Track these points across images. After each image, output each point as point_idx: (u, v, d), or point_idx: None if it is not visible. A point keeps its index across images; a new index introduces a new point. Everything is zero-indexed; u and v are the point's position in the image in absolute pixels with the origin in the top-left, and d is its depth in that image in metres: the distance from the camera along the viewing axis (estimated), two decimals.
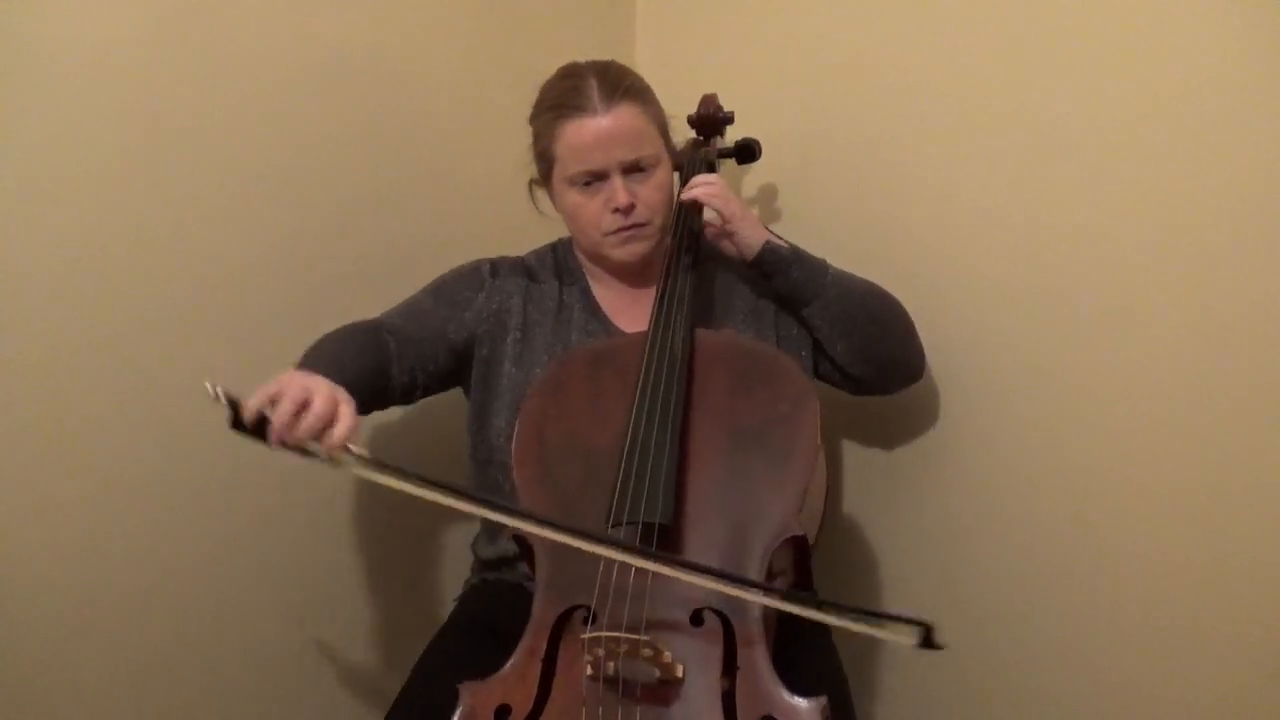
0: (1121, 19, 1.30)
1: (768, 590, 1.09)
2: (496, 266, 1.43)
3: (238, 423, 1.05)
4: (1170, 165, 1.27)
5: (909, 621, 1.01)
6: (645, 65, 1.84)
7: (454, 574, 1.59)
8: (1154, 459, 1.31)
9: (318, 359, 1.22)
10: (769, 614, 1.13)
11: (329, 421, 1.07)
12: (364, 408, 1.23)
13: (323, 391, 1.08)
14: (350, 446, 1.07)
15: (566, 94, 1.33)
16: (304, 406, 1.06)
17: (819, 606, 1.08)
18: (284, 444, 1.06)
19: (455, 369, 1.39)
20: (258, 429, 1.06)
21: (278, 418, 1.05)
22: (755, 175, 1.72)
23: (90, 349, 1.34)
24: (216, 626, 1.45)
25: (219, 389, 1.03)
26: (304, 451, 1.07)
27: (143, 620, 1.39)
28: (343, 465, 1.07)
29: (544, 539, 1.10)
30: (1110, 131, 1.32)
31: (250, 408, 1.05)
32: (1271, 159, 1.20)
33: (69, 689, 1.33)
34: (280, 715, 1.52)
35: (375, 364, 1.30)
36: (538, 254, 1.48)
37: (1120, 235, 1.32)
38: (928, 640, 1.00)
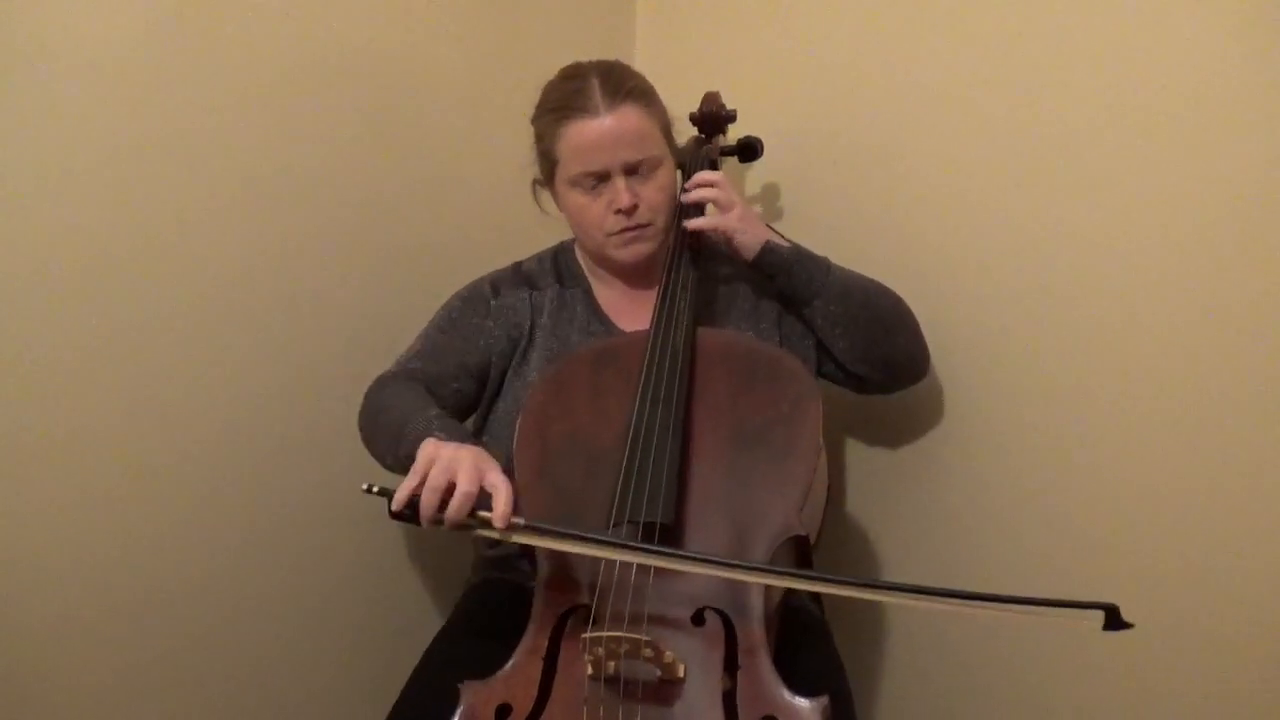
0: (1122, 19, 1.30)
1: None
2: (496, 285, 1.43)
3: (394, 513, 1.08)
4: (1171, 165, 1.27)
5: (1088, 606, 0.97)
6: (645, 64, 1.84)
7: (456, 573, 1.58)
8: (1155, 459, 1.31)
9: (438, 418, 1.21)
10: (771, 613, 1.13)
11: (474, 499, 1.07)
12: None
13: (465, 466, 1.07)
14: (515, 520, 1.06)
15: (569, 95, 1.33)
16: (450, 490, 1.07)
17: (985, 599, 1.01)
18: (437, 525, 1.08)
19: (479, 393, 1.41)
20: (413, 515, 1.07)
21: (424, 509, 1.07)
22: (757, 173, 1.72)
23: (91, 350, 1.33)
24: (216, 627, 1.45)
25: (374, 486, 1.08)
26: (466, 527, 1.08)
27: (143, 621, 1.39)
28: (510, 537, 1.08)
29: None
30: (1111, 131, 1.32)
31: (397, 499, 1.07)
32: (1272, 159, 1.19)
33: (69, 689, 1.33)
34: (281, 715, 1.52)
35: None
36: (538, 259, 1.48)
37: (1122, 234, 1.32)
38: (1114, 621, 0.96)
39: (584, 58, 1.39)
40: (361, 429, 1.34)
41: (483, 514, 1.07)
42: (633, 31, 1.92)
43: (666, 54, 1.86)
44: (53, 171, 1.29)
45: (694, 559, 1.06)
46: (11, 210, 1.27)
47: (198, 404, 1.42)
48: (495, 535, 1.07)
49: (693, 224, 1.36)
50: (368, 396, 1.35)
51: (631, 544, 1.07)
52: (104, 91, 1.32)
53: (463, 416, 1.40)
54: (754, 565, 1.09)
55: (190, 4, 1.38)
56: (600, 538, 1.08)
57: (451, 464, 1.07)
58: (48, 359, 1.30)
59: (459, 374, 1.38)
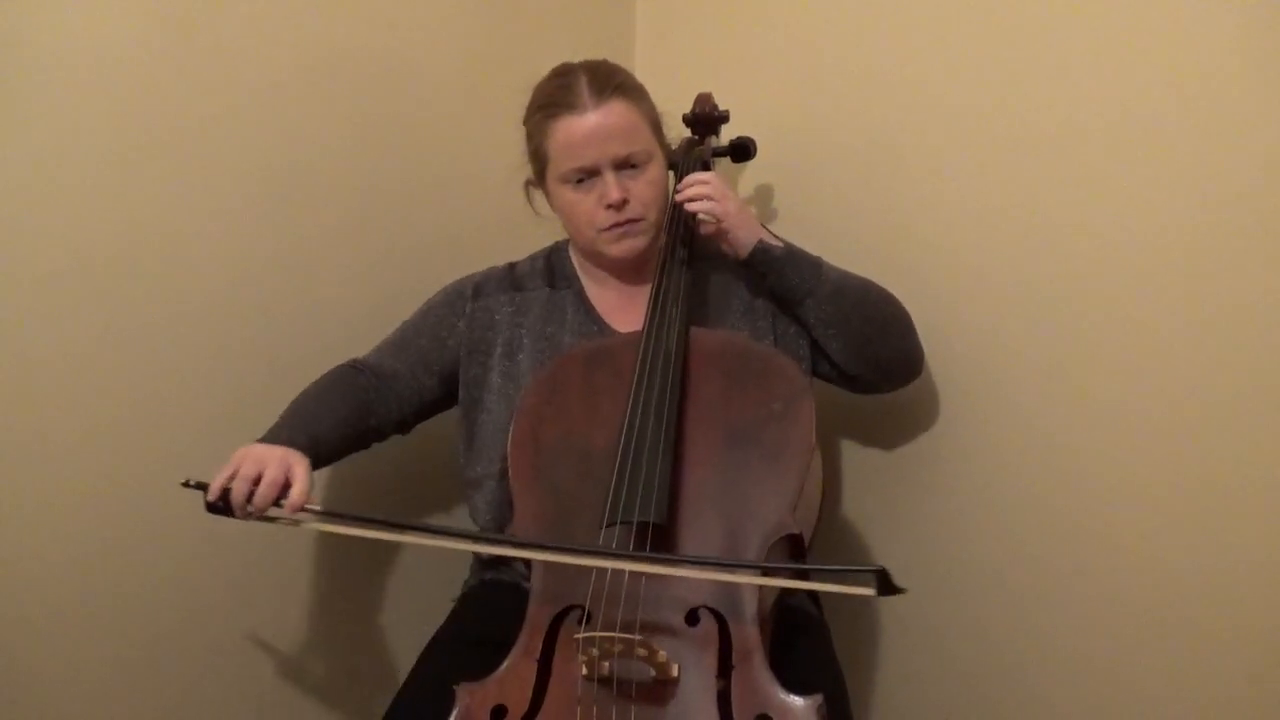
0: (1122, 18, 1.30)
1: (728, 567, 1.11)
2: (480, 287, 1.44)
3: (210, 504, 1.18)
4: (1171, 165, 1.27)
5: (863, 570, 1.01)
6: (645, 64, 1.85)
7: (453, 574, 1.58)
8: (1153, 458, 1.31)
9: (286, 423, 1.30)
10: (765, 612, 1.13)
11: (283, 487, 1.18)
12: (351, 449, 1.37)
13: (273, 460, 1.18)
14: (307, 506, 1.17)
15: (557, 92, 1.33)
16: (257, 480, 1.17)
17: (763, 574, 1.11)
18: (250, 516, 1.18)
19: (443, 394, 1.43)
20: (226, 506, 1.18)
21: (234, 496, 1.17)
22: (750, 174, 1.72)
23: (89, 349, 1.34)
24: (214, 627, 1.46)
25: (191, 480, 1.18)
26: (269, 519, 1.18)
27: (140, 621, 1.39)
28: (304, 524, 1.19)
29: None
30: (1110, 131, 1.31)
31: (212, 490, 1.18)
32: (1272, 159, 1.19)
33: (68, 688, 1.34)
34: (278, 716, 1.52)
35: (356, 407, 1.36)
36: (531, 259, 1.49)
37: (1118, 233, 1.32)
38: (886, 585, 0.99)
39: (583, 58, 1.39)
40: None
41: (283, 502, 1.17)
42: (632, 32, 1.92)
43: (666, 54, 1.86)
44: (51, 171, 1.29)
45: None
46: (11, 210, 1.27)
47: (194, 402, 1.42)
48: (290, 524, 1.18)
49: (692, 205, 1.35)
50: (321, 377, 1.40)
51: (434, 528, 1.22)
52: (103, 92, 1.32)
53: (425, 412, 1.44)
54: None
55: (188, 5, 1.39)
56: (386, 520, 1.18)
57: (261, 458, 1.19)
58: (46, 359, 1.31)
59: (417, 370, 1.41)
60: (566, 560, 1.11)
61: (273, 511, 1.18)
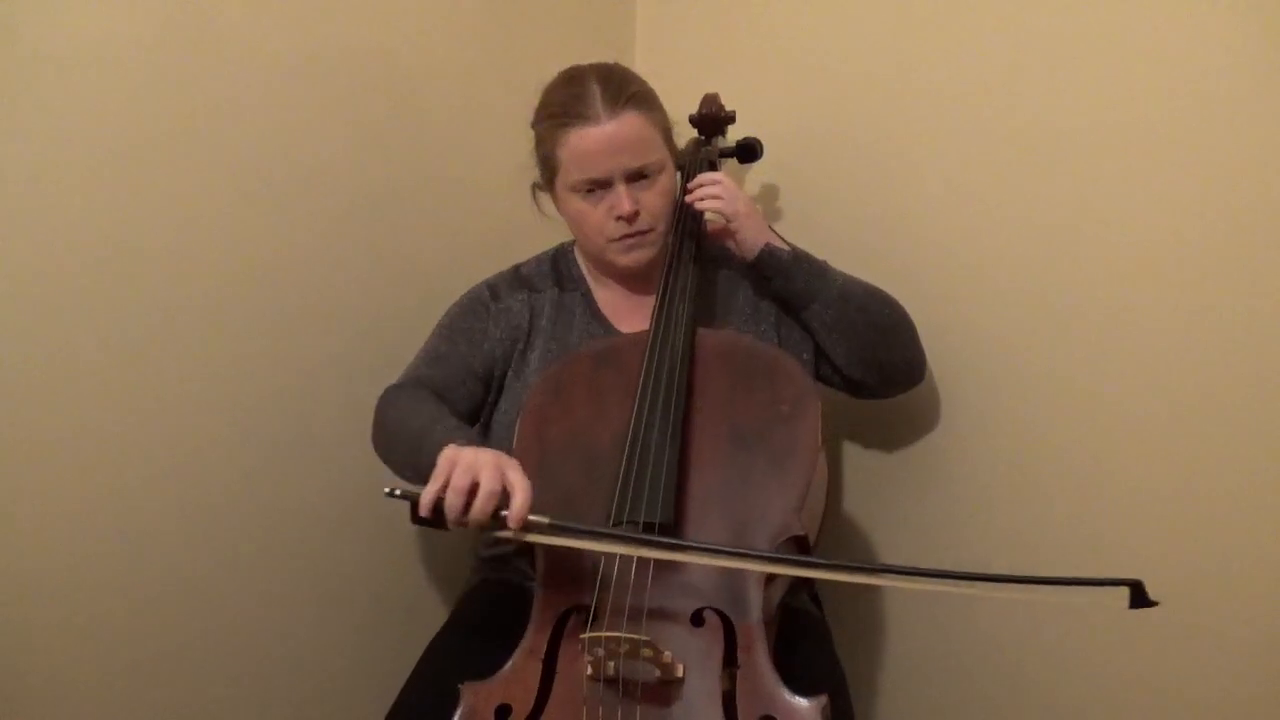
0: (1122, 19, 1.30)
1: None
2: (494, 289, 1.43)
3: (417, 517, 1.08)
4: (1171, 166, 1.27)
5: (1117, 582, 0.96)
6: (645, 65, 1.84)
7: (455, 573, 1.59)
8: (1154, 460, 1.31)
9: (455, 428, 1.22)
10: (770, 613, 1.13)
11: (499, 496, 1.07)
12: None
13: (488, 467, 1.07)
14: (532, 518, 1.06)
15: (569, 101, 1.32)
16: (473, 491, 1.06)
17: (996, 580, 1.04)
18: (464, 526, 1.08)
19: (485, 396, 1.40)
20: (439, 519, 1.08)
21: (449, 510, 1.07)
22: (757, 175, 1.72)
23: (91, 350, 1.33)
24: (216, 627, 1.45)
25: (396, 490, 1.08)
26: (485, 530, 1.08)
27: (143, 620, 1.39)
28: (528, 537, 1.08)
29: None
30: (1111, 132, 1.32)
31: (424, 503, 1.07)
32: (1272, 160, 1.20)
33: (70, 689, 1.33)
34: (281, 715, 1.52)
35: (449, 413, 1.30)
36: (536, 261, 1.48)
37: (1121, 236, 1.32)
38: (1139, 598, 0.94)
39: (584, 59, 1.39)
40: (376, 443, 1.34)
41: (504, 514, 1.07)
42: (632, 32, 1.91)
43: (666, 55, 1.86)
44: (52, 172, 1.29)
45: (704, 549, 1.07)
46: (11, 210, 1.27)
47: (197, 404, 1.42)
48: (512, 535, 1.07)
49: (703, 204, 1.35)
50: (380, 409, 1.34)
51: (643, 537, 1.08)
52: (104, 92, 1.32)
53: (474, 421, 1.40)
54: (764, 554, 1.09)
55: (189, 5, 1.38)
56: (617, 533, 1.09)
57: (474, 465, 1.07)
58: (48, 360, 1.30)
59: (465, 378, 1.38)
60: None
61: (492, 522, 1.07)
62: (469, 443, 1.13)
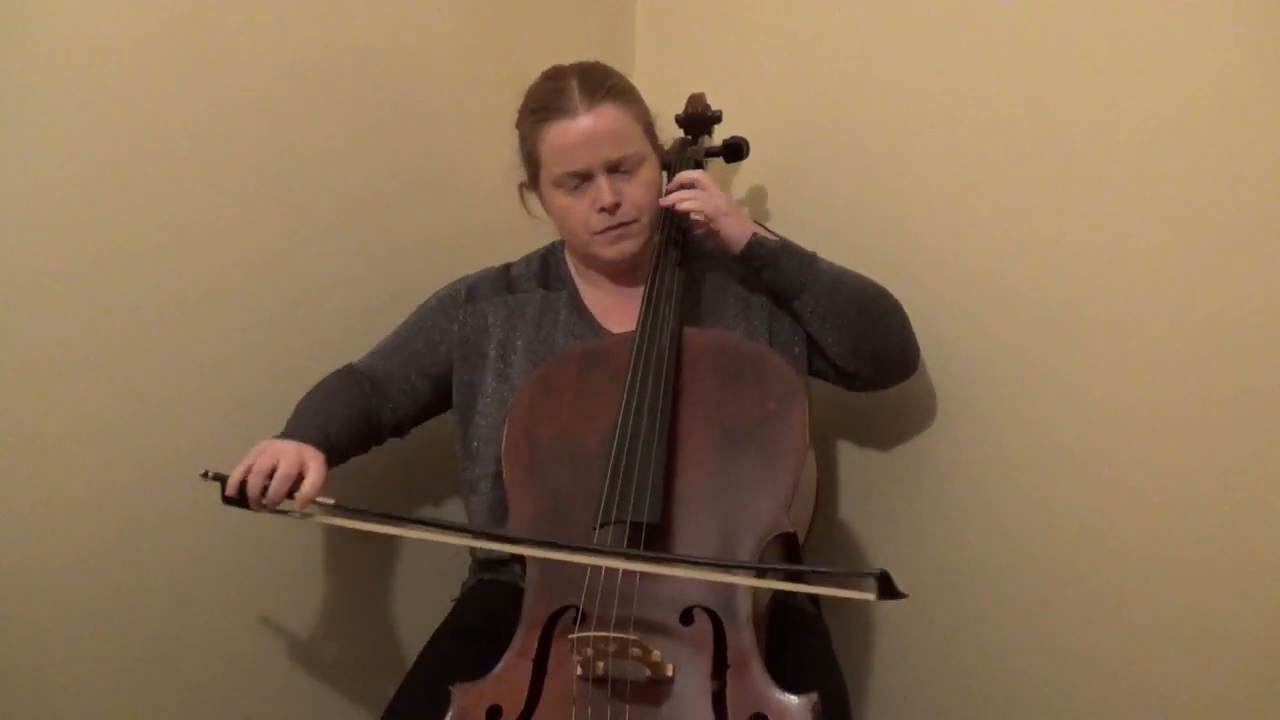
0: (1122, 19, 1.30)
1: (724, 568, 1.11)
2: (473, 289, 1.44)
3: (225, 497, 1.20)
4: (1171, 165, 1.27)
5: (864, 574, 1.01)
6: (645, 65, 1.85)
7: (451, 575, 1.59)
8: (1152, 458, 1.31)
9: (298, 421, 1.32)
10: (760, 612, 1.14)
11: (295, 481, 1.19)
12: (355, 451, 1.39)
13: (288, 455, 1.21)
14: (318, 500, 1.19)
15: (549, 96, 1.33)
16: (272, 474, 1.19)
17: (759, 575, 1.12)
18: (264, 508, 1.20)
19: (437, 397, 1.44)
20: (243, 499, 1.20)
21: (250, 489, 1.19)
22: (743, 174, 1.72)
23: (90, 349, 1.34)
24: (213, 627, 1.46)
25: (210, 471, 1.21)
26: (282, 512, 1.21)
27: (139, 621, 1.40)
28: (314, 518, 1.21)
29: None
30: (1107, 129, 1.31)
31: (230, 483, 1.20)
32: (1273, 161, 1.19)
33: (68, 689, 1.34)
34: (277, 716, 1.52)
35: (359, 410, 1.38)
36: (526, 260, 1.49)
37: (1117, 233, 1.32)
38: (888, 588, 0.98)
39: (584, 59, 1.39)
40: None
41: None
42: (632, 33, 1.92)
43: (666, 55, 1.86)
44: (52, 171, 1.30)
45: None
46: (12, 210, 1.27)
47: (196, 402, 1.43)
48: (301, 518, 1.20)
49: (681, 206, 1.35)
50: (319, 382, 1.42)
51: (438, 522, 1.23)
52: (103, 92, 1.33)
53: (420, 416, 1.45)
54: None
55: (189, 5, 1.39)
56: (397, 516, 1.18)
57: (276, 453, 1.21)
58: (47, 359, 1.31)
59: (410, 373, 1.42)
60: (562, 558, 1.11)
61: (284, 505, 1.20)
62: (290, 438, 1.26)
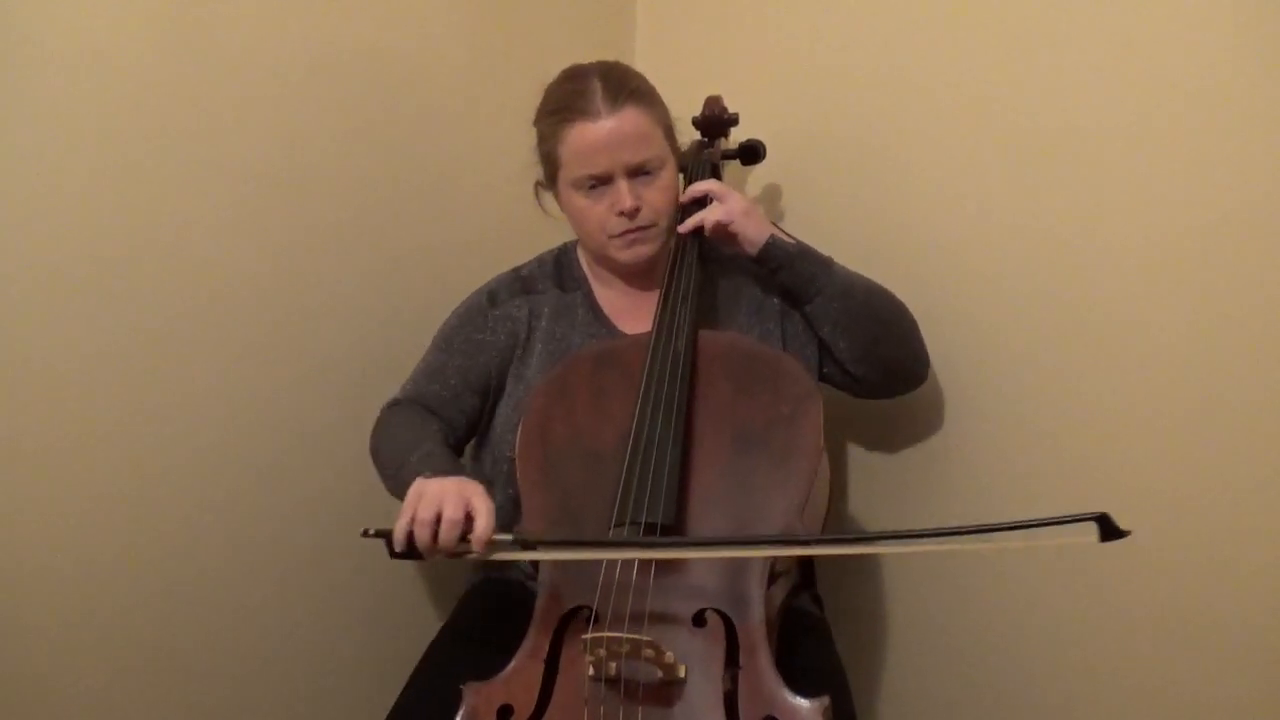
0: (1124, 20, 1.30)
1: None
2: (494, 295, 1.43)
3: (393, 552, 1.12)
4: (1173, 166, 1.27)
5: (1082, 519, 0.97)
6: (645, 66, 1.83)
7: (458, 572, 1.59)
8: (1157, 460, 1.31)
9: (426, 456, 1.24)
10: (772, 614, 1.13)
11: (464, 523, 1.10)
12: None
13: (450, 498, 1.10)
14: (496, 537, 1.10)
15: (570, 97, 1.33)
16: (438, 520, 1.10)
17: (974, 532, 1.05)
18: (438, 556, 1.12)
19: (483, 406, 1.41)
20: (413, 551, 1.11)
21: (419, 542, 1.10)
22: (760, 177, 1.72)
23: (92, 351, 1.34)
24: (216, 628, 1.46)
25: (371, 529, 1.11)
26: (459, 555, 1.12)
27: (143, 622, 1.39)
28: (494, 555, 1.12)
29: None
30: (1114, 132, 1.32)
31: (397, 539, 1.11)
32: (1273, 161, 1.19)
33: (69, 690, 1.34)
34: (282, 715, 1.52)
35: (443, 437, 1.33)
36: (538, 261, 1.48)
37: (1125, 237, 1.32)
38: (1108, 529, 0.95)
39: (584, 59, 1.39)
40: (373, 459, 1.36)
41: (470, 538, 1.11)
42: (633, 33, 1.92)
43: (667, 56, 1.86)
44: (54, 173, 1.29)
45: (689, 544, 1.09)
46: (13, 211, 1.27)
47: (199, 405, 1.43)
48: (479, 557, 1.11)
49: (708, 222, 1.36)
50: (376, 426, 1.37)
51: (624, 541, 1.10)
52: (105, 93, 1.32)
53: (472, 432, 1.42)
54: (749, 539, 1.11)
55: (191, 5, 1.39)
56: (588, 540, 1.12)
57: (437, 496, 1.10)
58: (49, 361, 1.31)
59: (462, 391, 1.39)
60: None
61: (460, 548, 1.11)
62: (437, 473, 1.16)
